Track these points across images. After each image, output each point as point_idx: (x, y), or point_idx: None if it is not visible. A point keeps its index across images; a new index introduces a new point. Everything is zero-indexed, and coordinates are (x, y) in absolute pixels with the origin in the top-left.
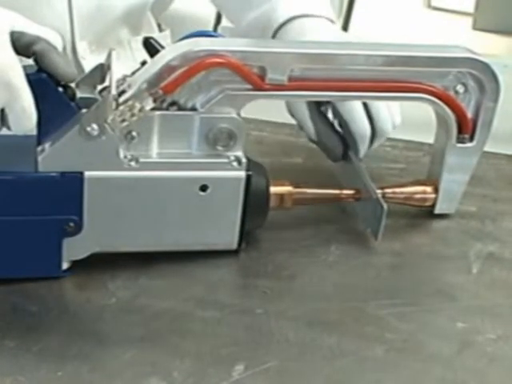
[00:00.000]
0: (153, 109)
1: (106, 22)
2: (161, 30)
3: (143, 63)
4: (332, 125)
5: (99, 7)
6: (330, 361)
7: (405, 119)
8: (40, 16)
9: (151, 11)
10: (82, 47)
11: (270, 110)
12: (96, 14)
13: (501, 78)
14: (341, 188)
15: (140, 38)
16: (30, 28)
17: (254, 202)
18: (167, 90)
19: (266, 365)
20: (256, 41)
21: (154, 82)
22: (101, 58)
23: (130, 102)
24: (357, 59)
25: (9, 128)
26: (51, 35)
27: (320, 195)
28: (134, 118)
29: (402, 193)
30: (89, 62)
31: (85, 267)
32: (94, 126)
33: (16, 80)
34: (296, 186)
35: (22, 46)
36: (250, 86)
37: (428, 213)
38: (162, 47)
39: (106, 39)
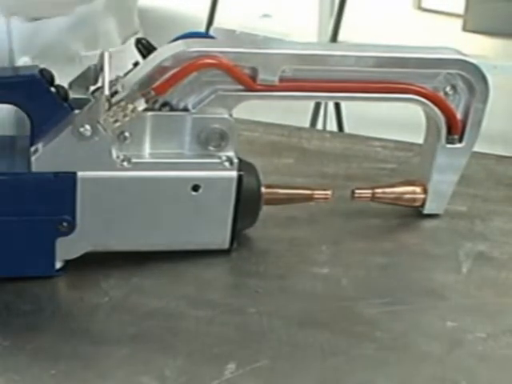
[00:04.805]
0: (145, 109)
1: (50, 36)
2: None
3: (135, 64)
4: None
5: (38, 26)
6: (321, 359)
7: (395, 120)
8: None
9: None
10: (22, 62)
11: (262, 110)
12: (37, 30)
13: (490, 79)
14: (313, 188)
15: (95, 53)
16: None
17: (246, 202)
18: (159, 91)
19: (258, 363)
20: (247, 42)
21: (146, 82)
22: None
23: (122, 103)
24: (347, 60)
25: None
26: None
27: (292, 195)
28: (127, 119)
29: (392, 193)
30: None
31: (78, 266)
32: (87, 126)
33: None
34: (267, 186)
35: None
36: (241, 87)
37: (418, 212)
38: (154, 48)
39: (53, 53)
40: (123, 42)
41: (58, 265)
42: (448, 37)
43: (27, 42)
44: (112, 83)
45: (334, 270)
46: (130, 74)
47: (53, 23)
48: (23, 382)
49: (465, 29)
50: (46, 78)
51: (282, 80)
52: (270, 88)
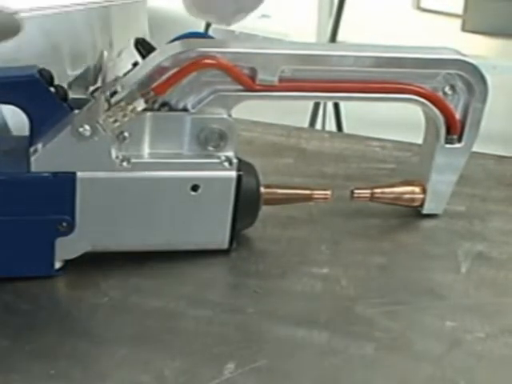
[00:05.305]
0: (144, 109)
1: (30, 57)
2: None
3: (135, 64)
4: None
5: (18, 47)
6: (320, 359)
7: (394, 120)
8: None
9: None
10: None
11: (261, 110)
12: (17, 51)
13: (489, 79)
14: (312, 188)
15: (77, 73)
16: None
17: (245, 202)
18: (159, 91)
19: (257, 363)
20: (247, 42)
21: (145, 82)
22: None
23: (122, 103)
24: (346, 60)
25: None
26: None
27: (291, 195)
28: (126, 119)
29: (391, 193)
30: None
31: (77, 266)
32: (87, 126)
33: None
34: (266, 186)
35: None
36: (240, 87)
37: (417, 212)
38: (154, 48)
39: None
40: (119, 53)
41: (58, 265)
42: (447, 37)
43: (7, 63)
44: (111, 83)
45: (333, 270)
46: (130, 74)
47: (32, 43)
48: (22, 382)
49: (464, 29)
50: (46, 77)
51: (281, 80)
52: (270, 88)
